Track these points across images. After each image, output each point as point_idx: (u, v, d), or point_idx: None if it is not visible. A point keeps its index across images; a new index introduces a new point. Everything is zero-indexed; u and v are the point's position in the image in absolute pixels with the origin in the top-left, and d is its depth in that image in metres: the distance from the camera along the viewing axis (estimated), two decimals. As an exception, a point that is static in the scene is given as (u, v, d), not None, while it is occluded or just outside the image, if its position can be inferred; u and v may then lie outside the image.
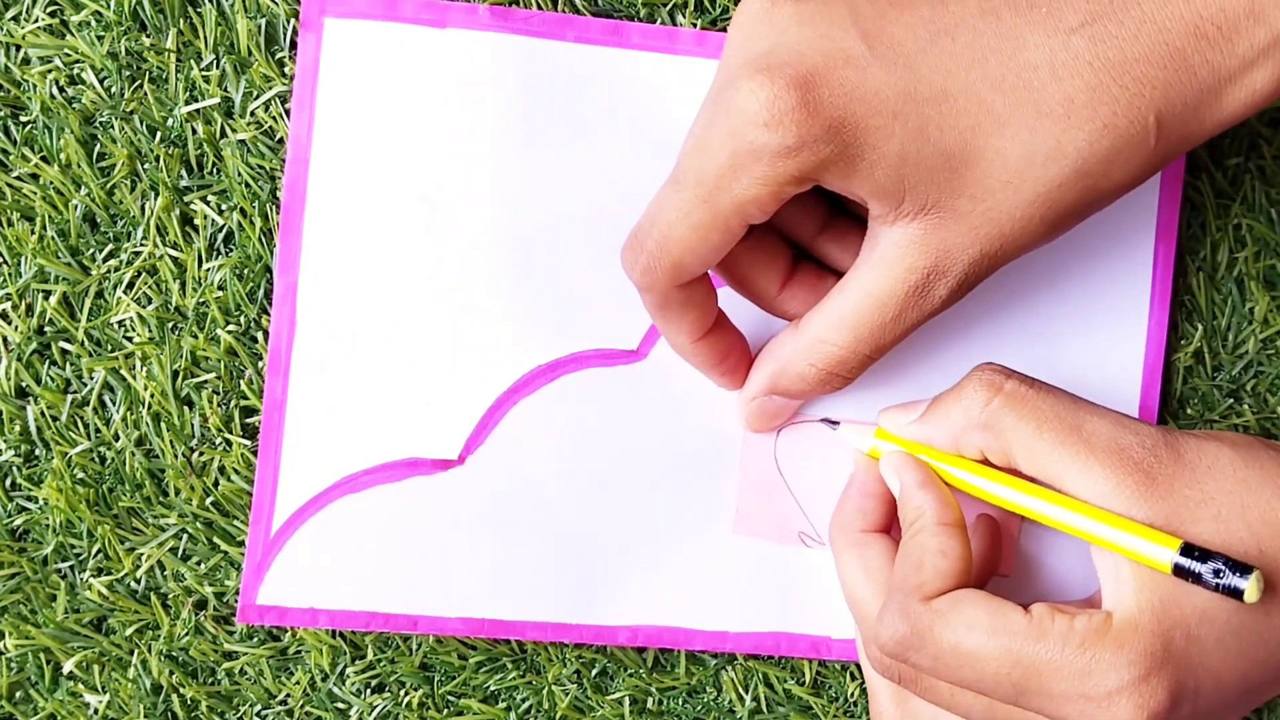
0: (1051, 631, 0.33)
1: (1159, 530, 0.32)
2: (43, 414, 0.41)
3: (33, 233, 0.41)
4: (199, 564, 0.41)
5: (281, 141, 0.40)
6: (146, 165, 0.41)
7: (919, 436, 0.37)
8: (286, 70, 0.40)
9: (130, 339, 0.41)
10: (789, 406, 0.40)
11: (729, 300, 0.39)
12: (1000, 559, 0.40)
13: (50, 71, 0.40)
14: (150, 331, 0.41)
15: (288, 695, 0.42)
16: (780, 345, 0.38)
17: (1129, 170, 0.33)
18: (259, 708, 0.42)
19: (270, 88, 0.40)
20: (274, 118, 0.40)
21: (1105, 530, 0.33)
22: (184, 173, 0.41)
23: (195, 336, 0.41)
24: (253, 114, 0.40)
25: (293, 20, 0.40)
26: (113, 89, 0.40)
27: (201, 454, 0.41)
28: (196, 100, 0.40)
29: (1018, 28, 0.32)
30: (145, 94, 0.40)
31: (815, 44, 0.32)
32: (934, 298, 0.35)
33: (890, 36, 0.32)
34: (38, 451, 0.41)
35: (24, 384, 0.41)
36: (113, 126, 0.40)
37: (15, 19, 0.40)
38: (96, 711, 0.42)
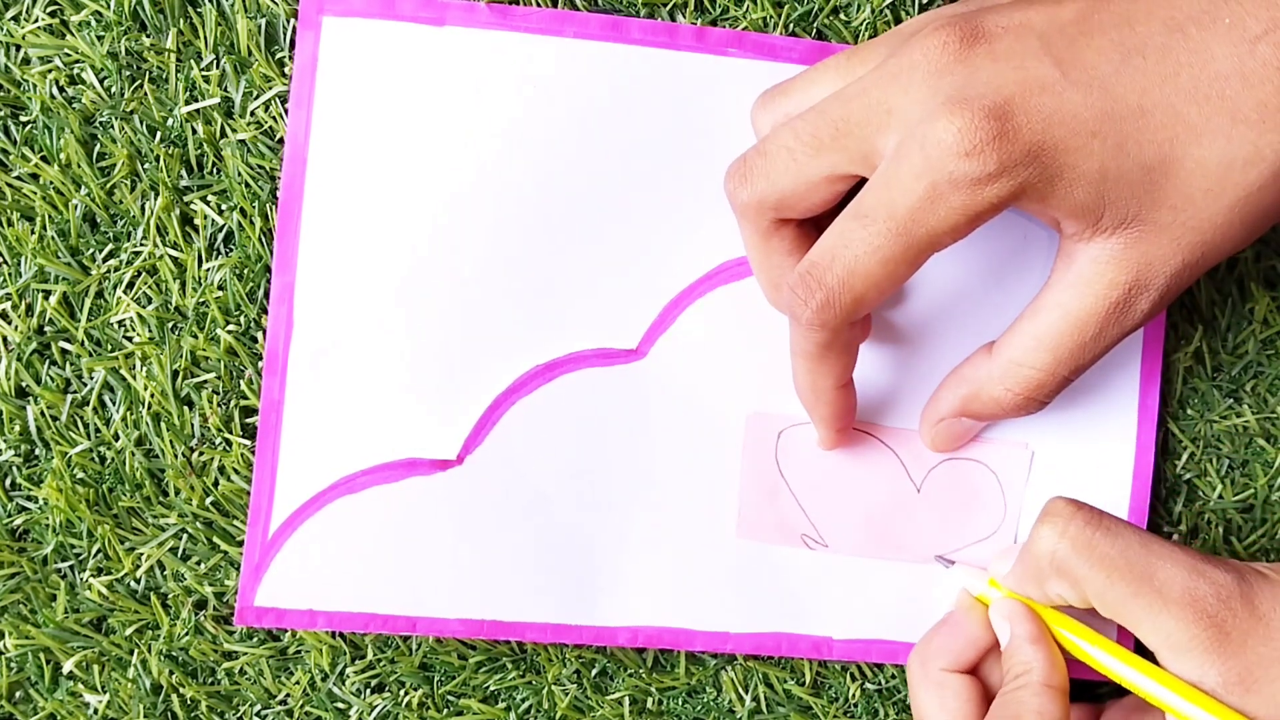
0: None
1: (1230, 707, 0.33)
2: (43, 414, 0.41)
3: (33, 233, 0.41)
4: (199, 564, 0.41)
5: (282, 141, 0.40)
6: (146, 165, 0.41)
7: (1016, 588, 0.38)
8: (286, 70, 0.40)
9: (130, 339, 0.41)
10: (977, 428, 0.41)
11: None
12: None
13: (50, 71, 0.40)
14: (150, 331, 0.41)
15: (288, 695, 0.42)
16: (974, 368, 0.38)
17: None
18: (259, 708, 0.42)
19: (270, 88, 0.40)
20: (274, 118, 0.40)
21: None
22: (184, 173, 0.41)
23: (195, 336, 0.41)
24: (253, 114, 0.40)
25: (293, 20, 0.40)
26: (113, 89, 0.40)
27: (201, 454, 0.41)
28: (196, 100, 0.40)
29: (1205, 41, 0.33)
30: (145, 94, 0.40)
31: (1009, 75, 0.32)
32: (1136, 313, 0.35)
33: (1083, 61, 0.33)
34: (38, 451, 0.41)
35: (24, 384, 0.41)
36: (113, 126, 0.40)
37: (15, 19, 0.40)
38: (96, 711, 0.42)
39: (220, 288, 0.41)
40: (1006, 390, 0.37)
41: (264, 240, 0.41)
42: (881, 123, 0.34)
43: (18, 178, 0.41)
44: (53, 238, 0.41)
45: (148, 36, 0.40)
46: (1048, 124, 0.32)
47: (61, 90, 0.41)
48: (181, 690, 0.42)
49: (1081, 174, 0.33)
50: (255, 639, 0.42)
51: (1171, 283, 0.34)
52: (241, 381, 0.41)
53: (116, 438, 0.41)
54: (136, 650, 0.42)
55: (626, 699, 0.42)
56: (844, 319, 0.35)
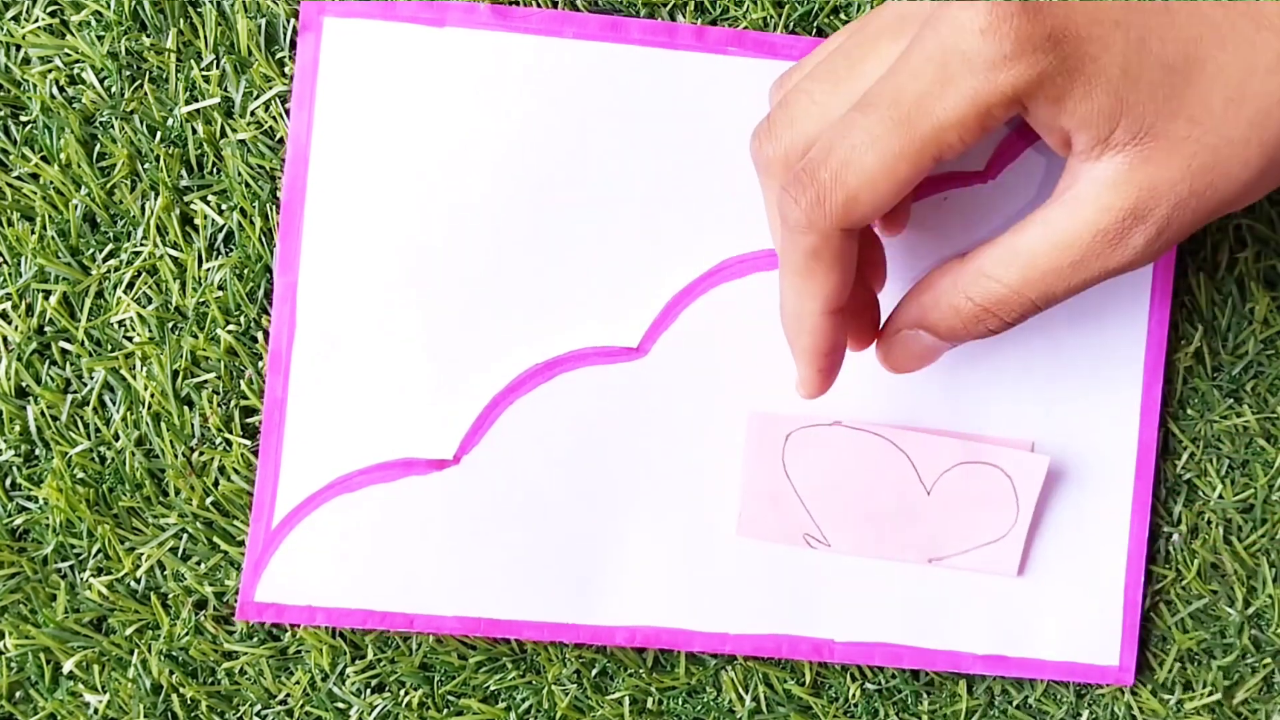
0: None
1: None
2: (43, 414, 0.41)
3: (33, 233, 0.41)
4: (199, 564, 0.41)
5: (281, 141, 0.40)
6: (146, 165, 0.41)
7: None
8: (286, 70, 0.40)
9: (130, 339, 0.41)
10: (934, 350, 0.37)
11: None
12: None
13: (50, 71, 0.40)
14: (150, 331, 0.41)
15: (288, 695, 0.42)
16: (940, 275, 0.36)
17: None
18: (259, 708, 0.42)
19: (270, 88, 0.40)
20: (274, 117, 0.40)
21: None
22: (184, 173, 0.41)
23: (195, 336, 0.41)
24: (253, 114, 0.40)
25: (293, 20, 0.40)
26: (113, 89, 0.40)
27: (201, 454, 0.41)
28: (196, 100, 0.40)
29: None
30: (145, 94, 0.40)
31: None
32: (1127, 248, 0.32)
33: None
34: (38, 451, 0.41)
35: (24, 384, 0.41)
36: (113, 126, 0.40)
37: (15, 19, 0.40)
38: (96, 711, 0.42)
39: (220, 288, 0.41)
40: (967, 299, 0.34)
41: (264, 240, 0.41)
42: (898, 30, 0.32)
43: (18, 178, 0.41)
44: (53, 238, 0.41)
45: (148, 36, 0.40)
46: (1070, 9, 0.31)
47: (61, 90, 0.41)
48: (181, 690, 0.42)
49: (1102, 68, 0.31)
50: (255, 639, 0.42)
51: (1172, 215, 0.32)
52: (242, 381, 0.41)
53: (116, 438, 0.41)
54: (136, 650, 0.42)
55: (626, 699, 0.42)
56: (834, 220, 0.32)
